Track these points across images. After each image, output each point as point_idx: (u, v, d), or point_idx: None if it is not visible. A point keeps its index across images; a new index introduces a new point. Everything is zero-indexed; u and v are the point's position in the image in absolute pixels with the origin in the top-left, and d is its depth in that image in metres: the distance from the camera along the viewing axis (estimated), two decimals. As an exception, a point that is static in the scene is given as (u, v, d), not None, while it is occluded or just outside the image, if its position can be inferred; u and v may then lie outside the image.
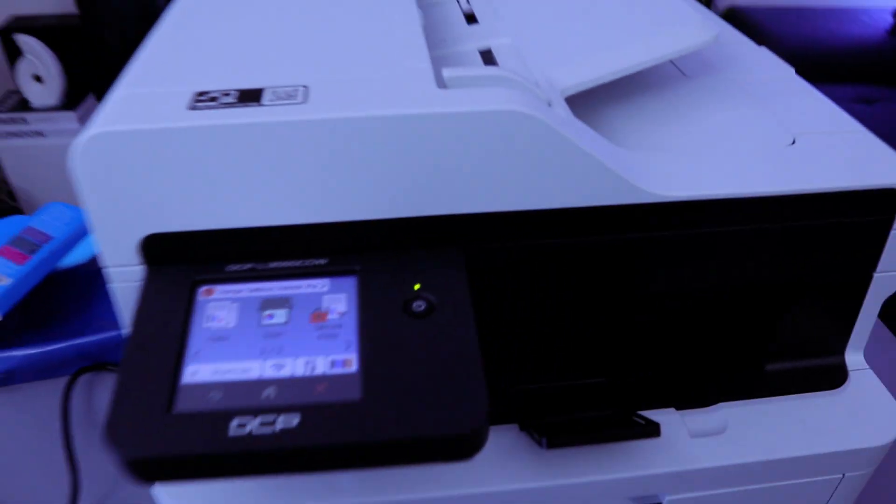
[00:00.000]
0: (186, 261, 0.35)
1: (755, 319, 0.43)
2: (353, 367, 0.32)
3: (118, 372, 0.31)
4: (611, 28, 0.46)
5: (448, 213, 0.36)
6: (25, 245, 0.77)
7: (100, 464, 0.65)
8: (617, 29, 0.46)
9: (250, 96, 0.35)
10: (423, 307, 0.34)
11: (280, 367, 0.32)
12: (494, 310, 0.39)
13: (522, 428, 0.41)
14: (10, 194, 2.12)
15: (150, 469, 0.29)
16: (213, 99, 0.34)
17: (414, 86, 0.36)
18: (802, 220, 0.39)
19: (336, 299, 0.35)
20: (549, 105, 0.38)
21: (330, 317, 0.34)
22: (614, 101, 0.47)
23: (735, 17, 2.43)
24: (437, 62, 0.39)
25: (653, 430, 0.38)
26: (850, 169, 0.39)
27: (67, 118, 2.02)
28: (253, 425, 0.29)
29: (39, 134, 2.06)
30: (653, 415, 0.41)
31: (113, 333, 0.75)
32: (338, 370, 0.32)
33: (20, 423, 0.70)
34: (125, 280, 0.36)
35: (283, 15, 0.45)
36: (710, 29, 0.44)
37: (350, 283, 0.35)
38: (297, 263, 0.36)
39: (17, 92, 2.08)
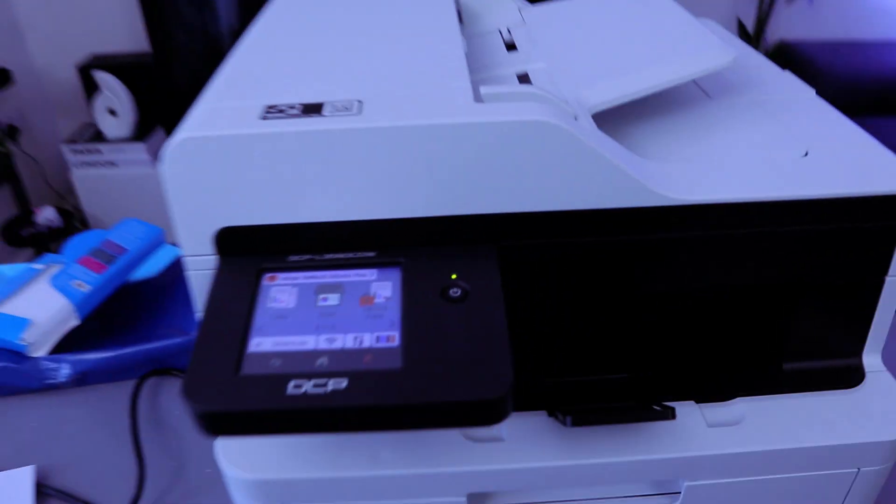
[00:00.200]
0: (254, 251, 0.41)
1: (773, 320, 0.46)
2: (396, 342, 0.36)
3: (195, 341, 0.36)
4: (635, 52, 0.51)
5: (482, 212, 0.40)
6: (103, 256, 0.84)
7: (162, 458, 0.70)
8: (641, 53, 0.50)
9: (312, 109, 0.40)
10: (458, 293, 0.38)
11: (332, 340, 0.36)
12: (523, 304, 0.43)
13: (550, 414, 0.45)
14: (83, 220, 2.25)
15: (220, 422, 0.34)
16: (280, 111, 0.40)
17: (454, 100, 0.40)
18: (813, 224, 0.42)
19: (382, 286, 0.39)
20: (576, 118, 0.43)
21: (377, 300, 0.39)
22: (641, 119, 0.51)
23: (785, 52, 2.44)
24: (478, 83, 0.44)
25: (668, 413, 0.41)
26: (858, 177, 0.42)
27: (137, 149, 2.15)
28: (307, 386, 0.34)
29: (112, 164, 2.19)
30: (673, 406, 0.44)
31: (177, 340, 0.81)
32: (382, 344, 0.36)
33: (93, 421, 0.75)
34: (201, 268, 0.41)
35: (343, 40, 0.51)
36: (729, 53, 0.48)
37: (395, 273, 0.40)
38: (349, 255, 0.41)
39: (93, 124, 2.22)
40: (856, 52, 2.36)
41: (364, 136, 0.38)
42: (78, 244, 0.86)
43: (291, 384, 0.34)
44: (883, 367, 0.47)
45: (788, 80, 0.56)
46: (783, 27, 2.50)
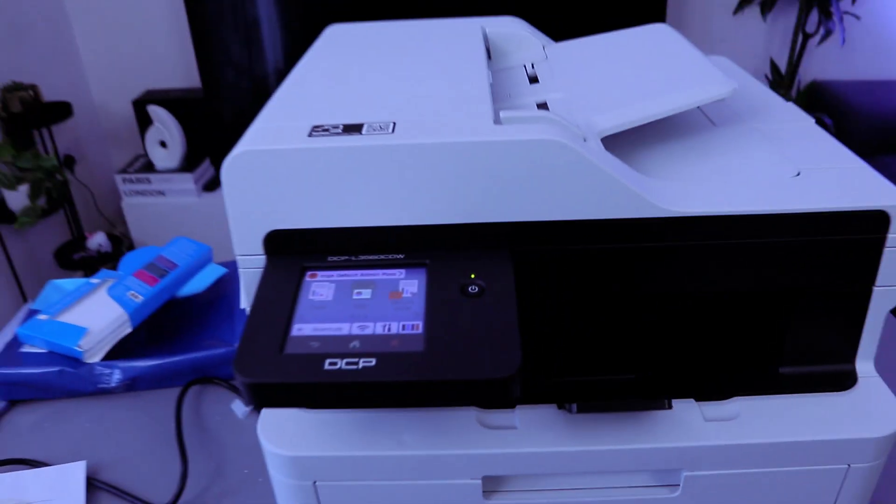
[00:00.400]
0: (297, 252, 0.46)
1: (769, 325, 0.50)
2: (420, 329, 0.41)
3: (245, 326, 0.42)
4: (644, 83, 0.56)
5: (499, 220, 0.46)
6: (156, 270, 0.91)
7: (203, 459, 0.74)
8: (649, 84, 0.55)
9: (353, 129, 0.46)
10: (475, 290, 0.43)
11: (364, 327, 0.42)
12: (535, 305, 0.48)
13: (559, 407, 0.49)
14: (131, 246, 2.36)
15: (265, 392, 0.39)
16: (325, 130, 0.46)
17: (475, 122, 0.46)
18: (802, 236, 0.46)
19: (409, 283, 0.45)
20: (585, 140, 0.48)
21: (404, 295, 0.44)
22: (652, 143, 0.56)
23: (817, 91, 2.46)
24: (500, 109, 0.49)
25: (665, 403, 0.45)
26: (844, 194, 0.46)
27: (185, 179, 2.25)
28: (341, 364, 0.39)
29: (160, 193, 2.29)
30: (673, 403, 0.48)
31: (220, 351, 0.86)
32: (407, 331, 0.41)
33: (140, 423, 0.81)
34: (251, 266, 0.47)
35: (381, 71, 0.57)
36: (729, 84, 0.53)
37: (421, 272, 0.45)
38: (381, 256, 0.46)
39: (144, 155, 2.34)
40: (886, 90, 2.38)
41: (396, 152, 0.44)
42: (133, 259, 0.94)
43: (327, 362, 0.39)
44: (875, 373, 0.50)
45: (790, 110, 0.61)
46: (815, 67, 2.53)
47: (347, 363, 0.39)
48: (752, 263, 0.47)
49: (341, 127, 0.46)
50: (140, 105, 2.29)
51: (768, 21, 2.48)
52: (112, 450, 0.77)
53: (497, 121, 0.47)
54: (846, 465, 0.48)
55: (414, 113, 0.48)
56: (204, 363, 0.86)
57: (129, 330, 0.85)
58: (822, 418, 0.48)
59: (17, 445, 0.78)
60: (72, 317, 0.87)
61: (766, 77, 2.52)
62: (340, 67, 0.59)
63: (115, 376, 0.84)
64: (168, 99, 2.29)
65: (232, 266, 1.02)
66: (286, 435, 0.48)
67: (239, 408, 0.66)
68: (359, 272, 0.45)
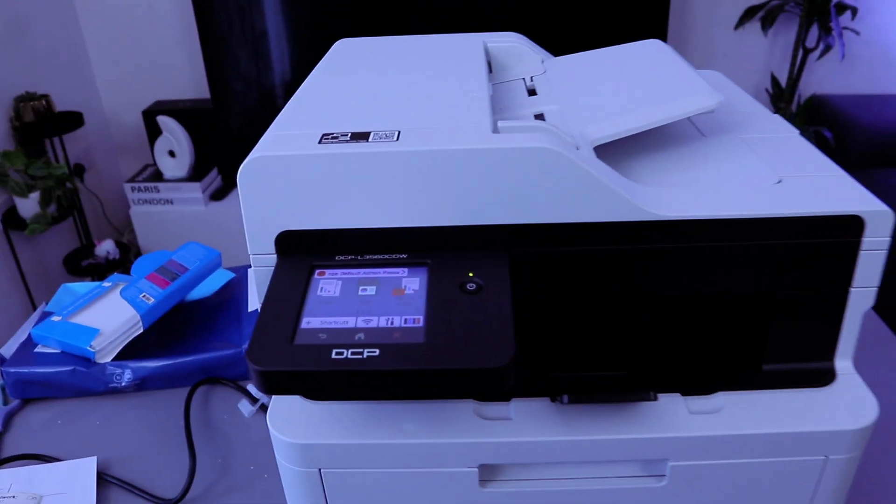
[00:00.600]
0: (307, 251, 0.50)
1: (752, 324, 0.52)
2: (420, 323, 0.44)
3: (257, 319, 0.45)
4: (636, 96, 0.59)
5: (496, 223, 0.49)
6: (168, 273, 0.94)
7: (210, 456, 0.77)
8: (641, 96, 0.58)
9: (360, 136, 0.49)
10: (473, 287, 0.46)
11: (368, 321, 0.45)
12: (529, 303, 0.51)
13: (553, 400, 0.52)
14: (138, 253, 2.39)
15: (276, 380, 0.42)
16: (334, 138, 0.49)
17: (474, 131, 0.49)
18: (781, 239, 0.48)
19: (411, 281, 0.48)
20: (577, 148, 0.51)
21: (406, 292, 0.47)
22: (643, 152, 0.59)
23: (817, 105, 2.49)
24: (498, 120, 0.52)
25: (651, 395, 0.48)
26: (822, 200, 0.49)
27: (193, 188, 2.29)
28: (347, 354, 0.42)
29: (168, 202, 2.32)
30: (660, 397, 0.50)
31: (228, 352, 0.89)
32: (409, 325, 0.44)
33: (149, 421, 0.83)
34: (263, 265, 0.50)
35: (386, 84, 0.60)
36: (716, 97, 0.56)
37: (422, 271, 0.48)
38: (385, 256, 0.49)
39: (153, 165, 2.37)
40: (885, 104, 2.41)
41: (400, 158, 0.47)
42: (145, 263, 0.97)
43: (334, 352, 0.42)
44: (853, 371, 0.53)
45: (776, 122, 0.64)
46: (815, 81, 2.57)
47: (353, 353, 0.42)
48: (736, 266, 0.50)
49: (349, 135, 0.49)
50: (149, 115, 2.33)
51: (769, 36, 2.52)
52: (122, 446, 0.79)
53: (495, 130, 0.50)
54: (824, 457, 0.50)
55: (418, 122, 0.51)
56: (212, 364, 0.88)
57: (140, 331, 0.87)
58: (801, 412, 0.50)
59: (30, 442, 0.81)
60: (84, 318, 0.90)
61: (767, 91, 2.55)
62: (349, 79, 0.62)
63: (126, 376, 0.87)
64: (177, 109, 2.34)
65: (239, 271, 1.05)
66: (294, 424, 0.50)
67: (245, 407, 0.69)
68: (364, 270, 0.48)
